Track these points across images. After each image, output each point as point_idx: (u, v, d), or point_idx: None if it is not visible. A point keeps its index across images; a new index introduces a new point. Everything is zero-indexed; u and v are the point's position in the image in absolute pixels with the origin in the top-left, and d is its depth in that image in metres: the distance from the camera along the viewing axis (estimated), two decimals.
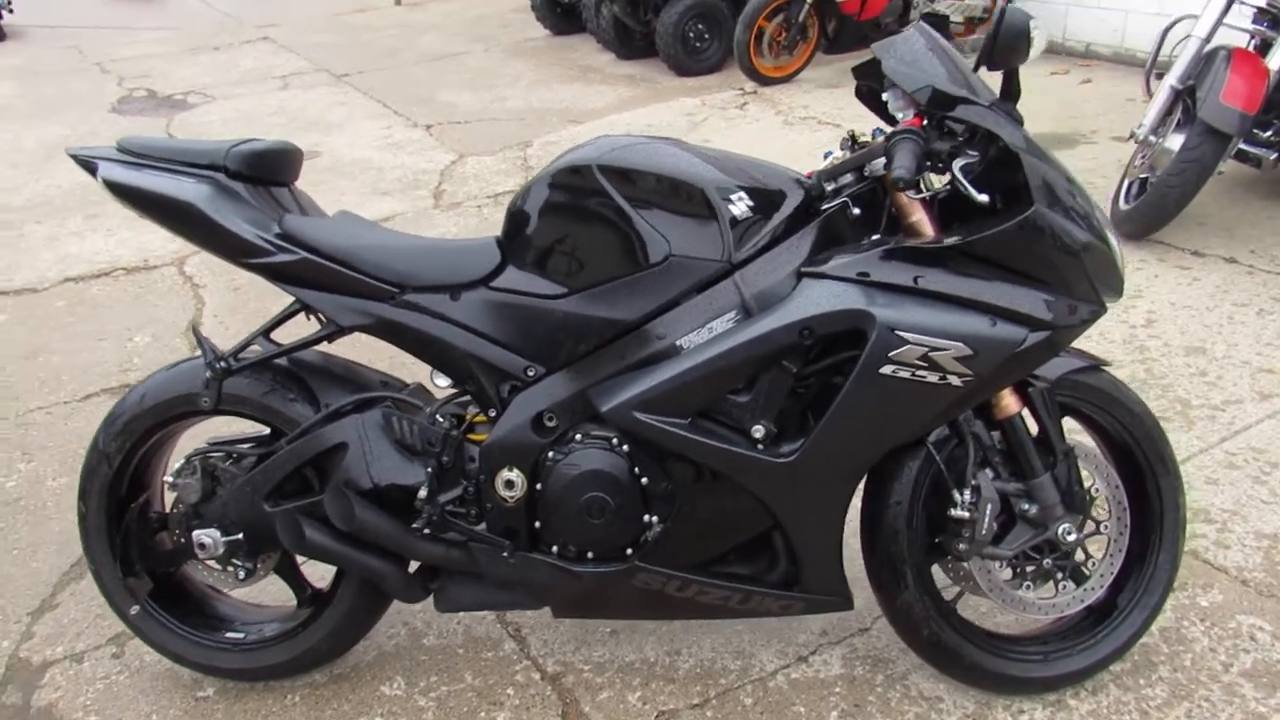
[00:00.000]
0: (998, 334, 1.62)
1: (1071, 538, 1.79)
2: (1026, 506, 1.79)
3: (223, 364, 1.86)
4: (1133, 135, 3.77)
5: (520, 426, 1.77)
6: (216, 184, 1.82)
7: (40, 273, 4.11)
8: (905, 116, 1.71)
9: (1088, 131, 5.02)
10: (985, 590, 1.85)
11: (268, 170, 1.88)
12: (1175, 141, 3.64)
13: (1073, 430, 1.87)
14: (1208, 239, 3.83)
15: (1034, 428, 1.81)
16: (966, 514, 1.76)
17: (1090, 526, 1.86)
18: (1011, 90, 1.68)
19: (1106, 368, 1.89)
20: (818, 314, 1.62)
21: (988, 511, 1.75)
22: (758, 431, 1.69)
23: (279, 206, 1.88)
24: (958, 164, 1.63)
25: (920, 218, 1.70)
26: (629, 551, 1.80)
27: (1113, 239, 1.75)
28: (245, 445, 1.95)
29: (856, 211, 1.73)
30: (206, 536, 1.90)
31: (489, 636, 2.16)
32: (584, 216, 1.74)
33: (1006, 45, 1.62)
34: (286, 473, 1.88)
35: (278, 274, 1.82)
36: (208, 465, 1.92)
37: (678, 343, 1.70)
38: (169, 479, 1.93)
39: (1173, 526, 1.91)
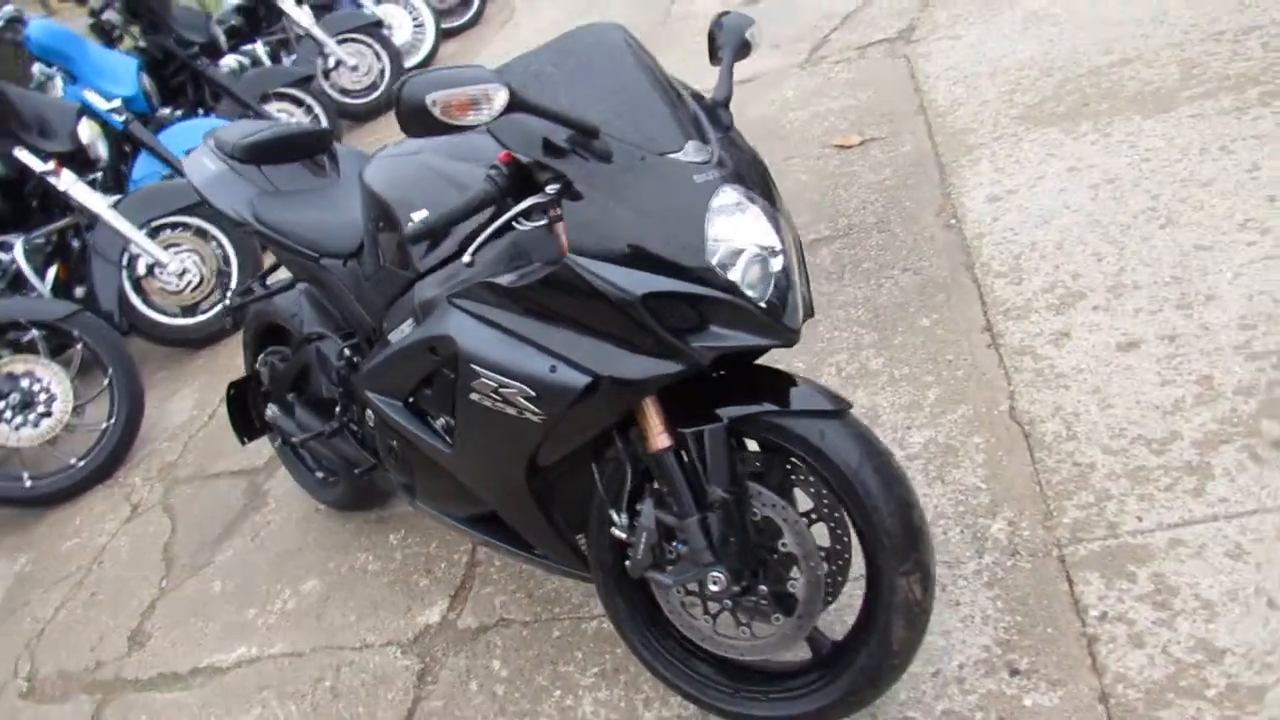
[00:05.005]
0: (557, 379, 1.58)
1: (716, 588, 1.66)
2: (677, 544, 1.70)
3: (226, 301, 2.60)
4: None
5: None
6: (229, 169, 2.49)
7: None
8: None
9: None
10: (665, 610, 1.82)
11: (266, 155, 2.47)
12: None
13: None
14: None
15: None
16: (623, 535, 1.75)
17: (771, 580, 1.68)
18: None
19: (846, 409, 1.62)
20: (435, 335, 1.75)
21: (643, 539, 1.72)
22: (438, 423, 1.89)
23: (278, 183, 2.48)
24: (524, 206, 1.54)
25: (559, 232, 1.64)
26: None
27: (755, 284, 1.50)
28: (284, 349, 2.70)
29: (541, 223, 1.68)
30: (270, 411, 2.72)
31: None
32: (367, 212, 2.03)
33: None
34: (291, 376, 2.59)
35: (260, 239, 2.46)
36: (269, 360, 2.72)
37: (390, 335, 1.95)
38: (257, 365, 2.77)
39: (886, 609, 1.60)
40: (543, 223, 1.58)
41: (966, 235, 3.00)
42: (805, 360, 2.73)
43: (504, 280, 1.62)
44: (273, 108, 5.89)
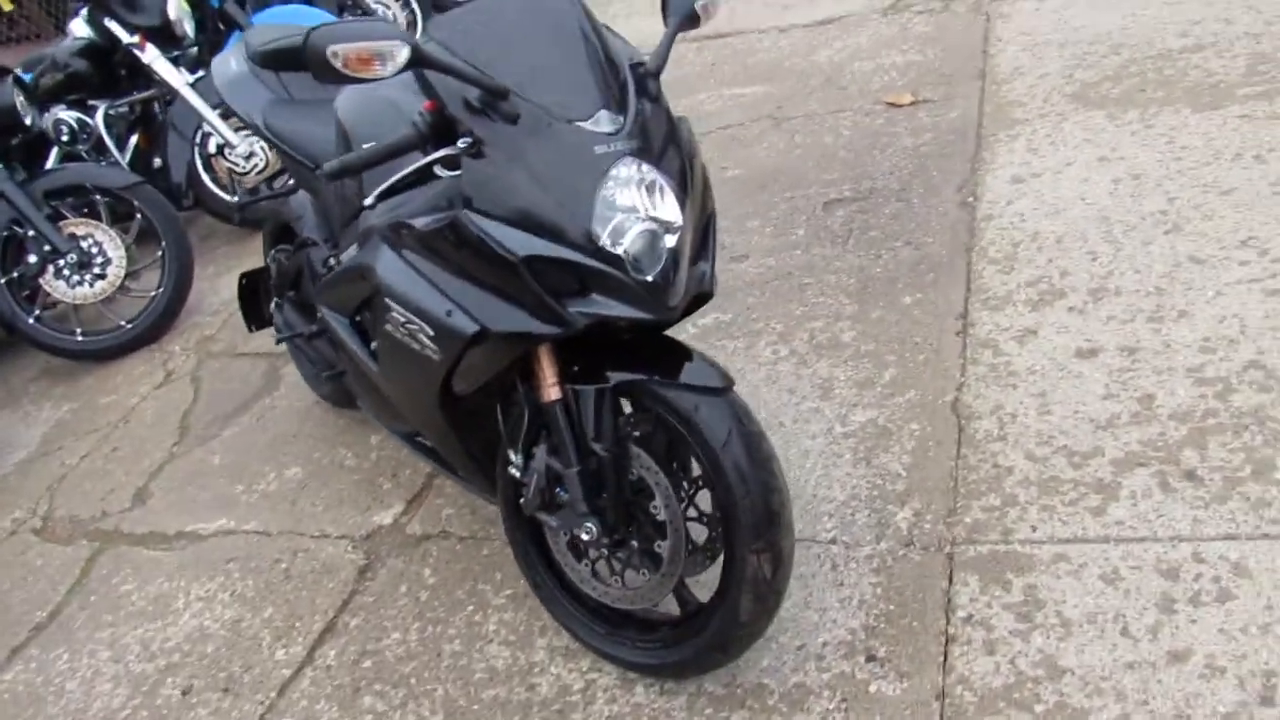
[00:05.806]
0: (451, 323, 1.67)
1: (588, 538, 1.76)
2: (560, 491, 1.80)
3: (237, 199, 2.75)
4: None
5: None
6: (249, 73, 2.61)
7: None
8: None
9: None
10: (553, 550, 1.93)
11: (283, 63, 2.56)
12: None
13: None
14: None
15: None
16: (518, 474, 1.86)
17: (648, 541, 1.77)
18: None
19: (727, 389, 1.67)
20: (363, 263, 1.86)
21: (534, 481, 1.83)
22: (374, 344, 2.02)
23: (295, 91, 2.60)
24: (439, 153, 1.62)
25: None
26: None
27: (640, 258, 1.54)
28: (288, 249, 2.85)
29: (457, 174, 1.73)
30: (273, 305, 2.90)
31: None
32: None
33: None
34: (290, 276, 2.75)
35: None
36: (276, 257, 2.88)
37: (342, 256, 2.07)
38: (268, 260, 2.95)
39: (737, 583, 1.67)
40: (458, 174, 1.65)
41: (978, 216, 2.95)
42: (783, 324, 2.76)
43: (417, 224, 1.71)
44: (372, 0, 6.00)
